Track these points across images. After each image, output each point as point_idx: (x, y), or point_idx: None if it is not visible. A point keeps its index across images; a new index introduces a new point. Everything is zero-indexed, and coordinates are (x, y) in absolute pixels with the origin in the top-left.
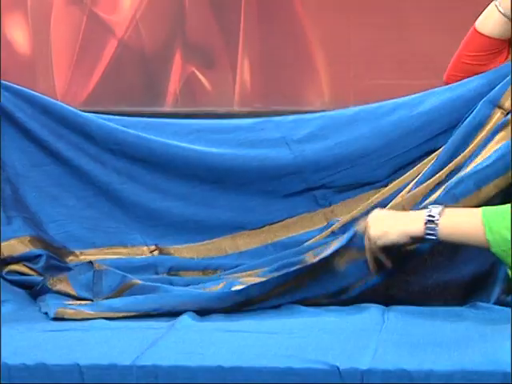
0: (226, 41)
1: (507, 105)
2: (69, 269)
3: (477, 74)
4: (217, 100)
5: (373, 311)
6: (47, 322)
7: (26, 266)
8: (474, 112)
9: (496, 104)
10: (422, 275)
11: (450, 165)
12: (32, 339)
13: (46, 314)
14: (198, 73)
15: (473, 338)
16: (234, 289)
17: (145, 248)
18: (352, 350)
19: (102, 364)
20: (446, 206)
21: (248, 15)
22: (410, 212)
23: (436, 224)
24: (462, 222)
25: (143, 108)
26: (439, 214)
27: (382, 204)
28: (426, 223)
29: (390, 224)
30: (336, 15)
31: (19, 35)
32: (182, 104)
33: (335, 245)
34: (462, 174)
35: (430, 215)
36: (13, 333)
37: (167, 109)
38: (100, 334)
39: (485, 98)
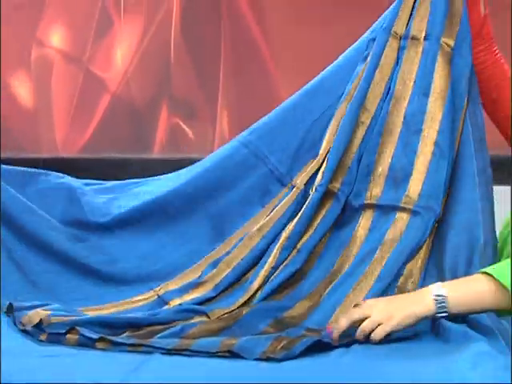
0: (206, 95)
1: (400, 31)
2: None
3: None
4: (199, 148)
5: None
6: (35, 347)
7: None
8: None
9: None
10: None
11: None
12: (23, 363)
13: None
14: (182, 124)
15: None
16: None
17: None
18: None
19: None
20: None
21: (226, 73)
22: (407, 294)
23: (445, 298)
24: (469, 290)
25: (133, 155)
26: (443, 288)
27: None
28: (435, 300)
29: (393, 307)
30: (307, 74)
31: (23, 90)
32: (167, 151)
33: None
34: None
35: (437, 294)
36: (6, 357)
37: (155, 156)
38: (87, 358)
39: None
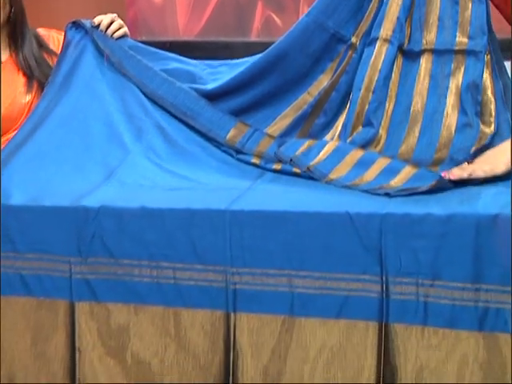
0: None
1: None
2: None
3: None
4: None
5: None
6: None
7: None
8: None
9: None
10: None
11: None
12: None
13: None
14: (273, 15)
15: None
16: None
17: None
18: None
19: (200, 209)
20: None
21: None
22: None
23: None
24: None
25: (236, 39)
26: None
27: None
28: None
29: (496, 159)
30: None
31: None
32: (261, 36)
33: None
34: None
35: None
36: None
37: (252, 39)
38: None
39: None
